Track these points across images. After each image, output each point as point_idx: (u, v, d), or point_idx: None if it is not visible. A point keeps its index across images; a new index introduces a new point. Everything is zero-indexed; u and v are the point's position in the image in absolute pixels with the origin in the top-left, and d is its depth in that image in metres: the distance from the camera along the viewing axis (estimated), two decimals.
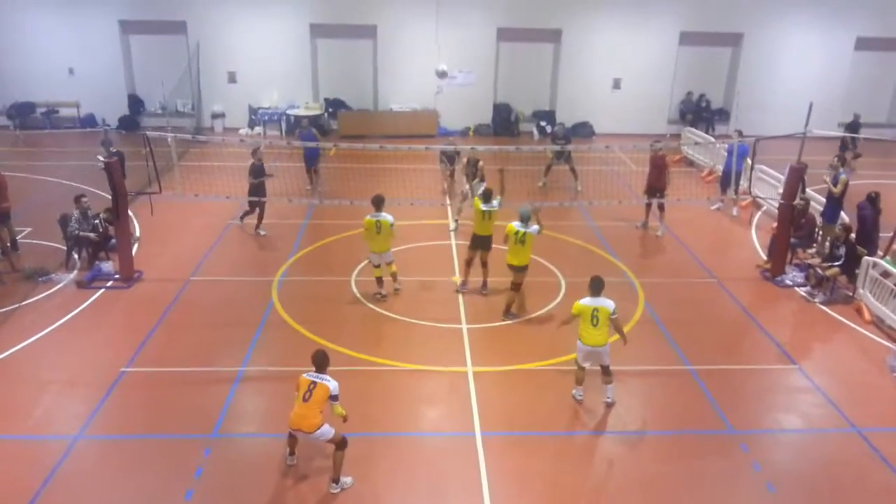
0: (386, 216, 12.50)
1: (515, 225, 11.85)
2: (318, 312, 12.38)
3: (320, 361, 8.07)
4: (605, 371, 9.71)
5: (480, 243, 12.91)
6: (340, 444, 8.02)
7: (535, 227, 11.92)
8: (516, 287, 12.17)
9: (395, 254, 12.98)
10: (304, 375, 8.01)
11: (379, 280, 12.80)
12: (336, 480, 8.09)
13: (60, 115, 26.13)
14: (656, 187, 16.02)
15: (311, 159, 18.78)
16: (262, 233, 15.68)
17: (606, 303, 9.48)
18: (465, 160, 16.91)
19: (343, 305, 12.71)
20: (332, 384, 7.92)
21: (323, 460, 8.45)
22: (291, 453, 8.47)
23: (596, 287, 9.55)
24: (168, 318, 12.06)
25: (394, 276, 12.96)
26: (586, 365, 9.80)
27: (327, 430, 7.94)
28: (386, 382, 10.37)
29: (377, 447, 8.93)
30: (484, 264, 13.05)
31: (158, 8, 25.30)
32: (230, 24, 25.62)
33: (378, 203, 12.60)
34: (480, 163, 16.41)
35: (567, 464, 8.76)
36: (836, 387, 10.45)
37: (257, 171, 15.42)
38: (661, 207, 15.92)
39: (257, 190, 15.44)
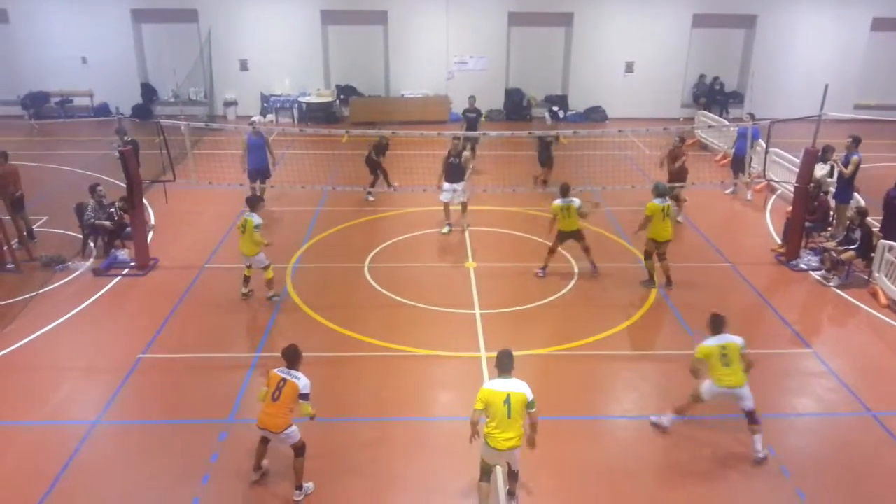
0: (253, 216, 11.63)
1: (657, 201, 12.28)
2: (332, 298, 12.43)
3: (291, 357, 7.67)
4: (752, 418, 8.41)
5: (569, 236, 12.99)
6: (300, 449, 7.67)
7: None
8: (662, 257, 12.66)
9: (410, 239, 12.90)
10: (275, 371, 7.67)
11: (246, 279, 12.20)
12: (299, 487, 7.75)
13: (74, 104, 26.34)
14: (677, 178, 15.89)
15: (259, 171, 16.22)
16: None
17: (734, 339, 8.43)
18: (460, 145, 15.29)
19: (357, 291, 12.75)
20: (301, 382, 7.52)
21: (338, 438, 8.51)
22: (257, 468, 7.98)
23: (717, 325, 8.50)
24: (183, 304, 12.15)
25: (268, 283, 12.07)
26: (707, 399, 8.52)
27: (294, 432, 7.61)
28: (400, 368, 10.41)
29: (392, 431, 8.98)
30: (585, 249, 13.09)
31: None
32: (241, 12, 25.65)
33: (251, 202, 11.98)
34: (466, 153, 15.10)
35: (581, 448, 8.78)
36: (851, 370, 10.40)
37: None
38: (677, 198, 15.74)
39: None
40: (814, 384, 10.15)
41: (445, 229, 15.16)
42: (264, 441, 7.86)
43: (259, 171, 16.16)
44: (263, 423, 7.60)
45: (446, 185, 14.84)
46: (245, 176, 16.03)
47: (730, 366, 8.26)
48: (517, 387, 7.21)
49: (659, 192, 12.43)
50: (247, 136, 15.99)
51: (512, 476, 7.66)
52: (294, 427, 7.62)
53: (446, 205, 15.14)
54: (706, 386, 8.46)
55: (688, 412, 8.73)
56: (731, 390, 8.30)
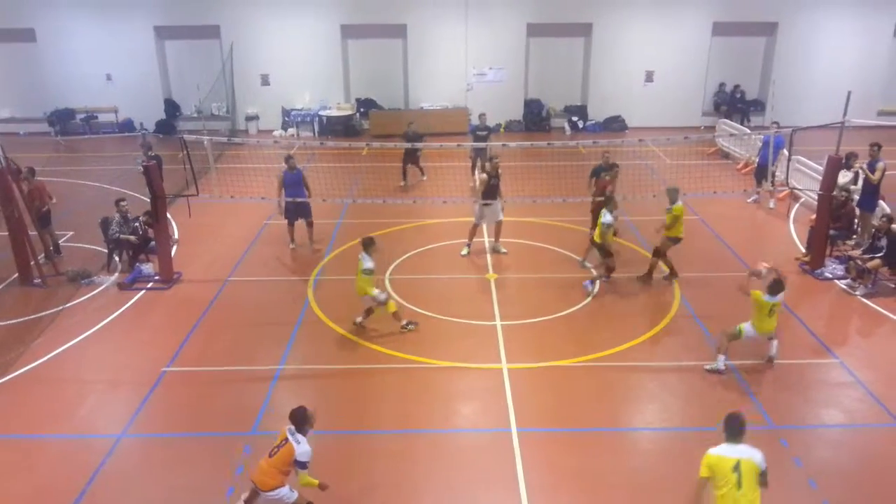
0: (363, 259, 11.32)
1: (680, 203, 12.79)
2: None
3: (297, 419, 7.27)
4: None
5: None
6: None
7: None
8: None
9: (430, 251, 12.86)
10: (286, 428, 7.31)
11: (367, 312, 11.78)
12: None
13: (99, 120, 26.79)
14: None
15: (297, 210, 14.95)
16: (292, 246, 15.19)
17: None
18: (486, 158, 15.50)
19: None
20: (300, 448, 7.07)
21: (360, 450, 8.52)
22: None
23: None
24: (207, 318, 12.25)
25: (394, 316, 11.55)
26: None
27: (286, 494, 7.19)
28: (422, 380, 10.41)
29: (414, 444, 8.98)
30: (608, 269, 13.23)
31: (192, 13, 25.75)
32: (262, 28, 25.94)
33: (364, 243, 11.46)
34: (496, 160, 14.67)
35: (604, 460, 8.71)
36: (879, 381, 10.24)
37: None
38: None
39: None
40: (841, 395, 10.00)
41: (464, 251, 14.83)
42: (254, 494, 7.45)
43: (298, 211, 14.86)
44: (253, 476, 7.31)
45: (485, 207, 14.36)
46: (280, 213, 15.00)
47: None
48: (748, 454, 6.40)
49: (676, 194, 12.95)
50: (282, 172, 14.72)
51: None
52: (286, 489, 7.22)
53: (477, 227, 14.75)
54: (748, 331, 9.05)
55: None
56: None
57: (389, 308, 11.47)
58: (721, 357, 10.33)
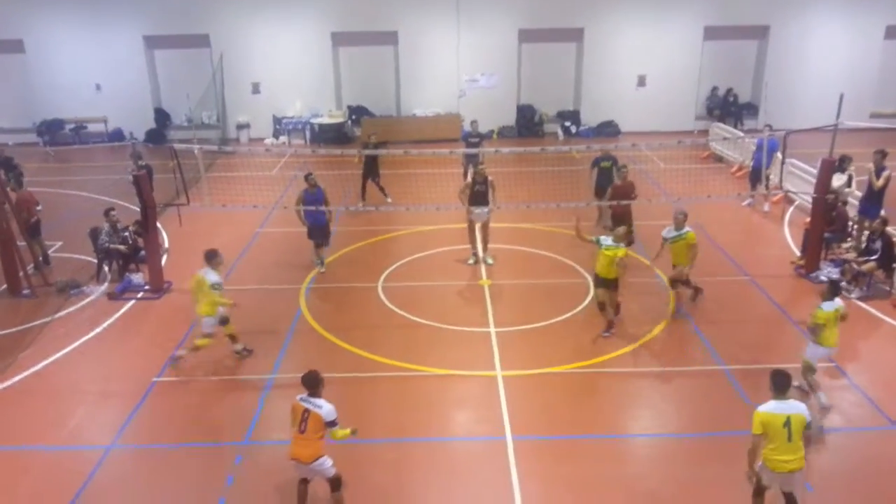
0: (208, 274, 10.57)
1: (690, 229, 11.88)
2: (346, 319, 12.39)
3: (311, 383, 7.42)
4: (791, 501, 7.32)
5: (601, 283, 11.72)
6: (336, 482, 7.53)
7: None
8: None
9: (423, 258, 12.83)
10: (297, 400, 7.45)
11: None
12: None
13: (89, 130, 26.61)
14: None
15: (319, 231, 14.22)
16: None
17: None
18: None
19: (371, 311, 12.69)
20: (324, 410, 7.28)
21: (356, 460, 8.42)
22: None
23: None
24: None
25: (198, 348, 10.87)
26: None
27: (326, 463, 7.44)
28: (416, 388, 10.32)
29: (409, 453, 8.89)
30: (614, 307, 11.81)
31: (182, 22, 25.64)
32: (252, 36, 25.86)
33: (208, 256, 10.73)
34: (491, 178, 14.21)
35: (600, 467, 8.63)
36: (875, 384, 10.20)
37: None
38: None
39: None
40: (837, 398, 9.93)
41: (471, 260, 14.61)
42: (303, 482, 7.65)
43: (317, 231, 14.13)
44: (294, 453, 7.44)
45: (475, 210, 14.17)
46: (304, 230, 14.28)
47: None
48: (796, 408, 6.92)
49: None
50: (302, 192, 13.97)
51: (789, 500, 7.20)
52: (326, 458, 7.44)
53: (472, 228, 14.50)
54: (814, 351, 8.83)
55: None
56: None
57: (228, 329, 10.95)
58: (820, 394, 9.49)
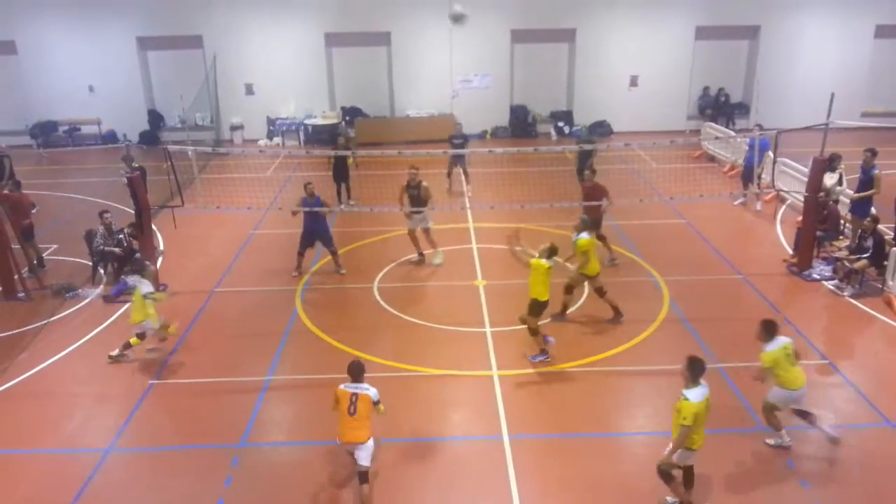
0: (142, 284, 10.95)
1: (585, 236, 11.78)
2: (342, 320, 12.41)
3: (356, 371, 8.00)
4: (803, 414, 8.88)
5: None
6: (364, 474, 7.93)
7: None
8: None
9: (417, 259, 12.82)
10: (342, 388, 7.93)
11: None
12: None
13: (82, 132, 26.51)
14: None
15: (314, 234, 14.17)
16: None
17: (787, 339, 8.70)
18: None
19: (366, 312, 12.72)
20: (371, 392, 7.92)
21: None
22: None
23: (771, 330, 8.61)
24: (194, 329, 12.14)
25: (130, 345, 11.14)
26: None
27: (372, 446, 7.93)
28: (412, 388, 10.35)
29: (406, 453, 8.93)
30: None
31: (174, 24, 25.60)
32: (245, 37, 25.83)
33: (136, 265, 11.42)
34: (425, 183, 14.22)
35: (597, 466, 8.69)
36: (868, 381, 10.28)
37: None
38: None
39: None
40: (831, 395, 10.03)
41: (416, 257, 14.73)
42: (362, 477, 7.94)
43: (314, 234, 14.11)
44: (347, 437, 7.84)
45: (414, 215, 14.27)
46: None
47: (795, 364, 8.60)
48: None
49: (586, 225, 12.03)
50: (301, 200, 14.02)
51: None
52: (373, 440, 7.92)
53: (412, 235, 14.53)
54: (778, 395, 8.65)
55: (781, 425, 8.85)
56: (802, 390, 8.63)
57: (171, 329, 11.33)
58: (782, 432, 8.91)
